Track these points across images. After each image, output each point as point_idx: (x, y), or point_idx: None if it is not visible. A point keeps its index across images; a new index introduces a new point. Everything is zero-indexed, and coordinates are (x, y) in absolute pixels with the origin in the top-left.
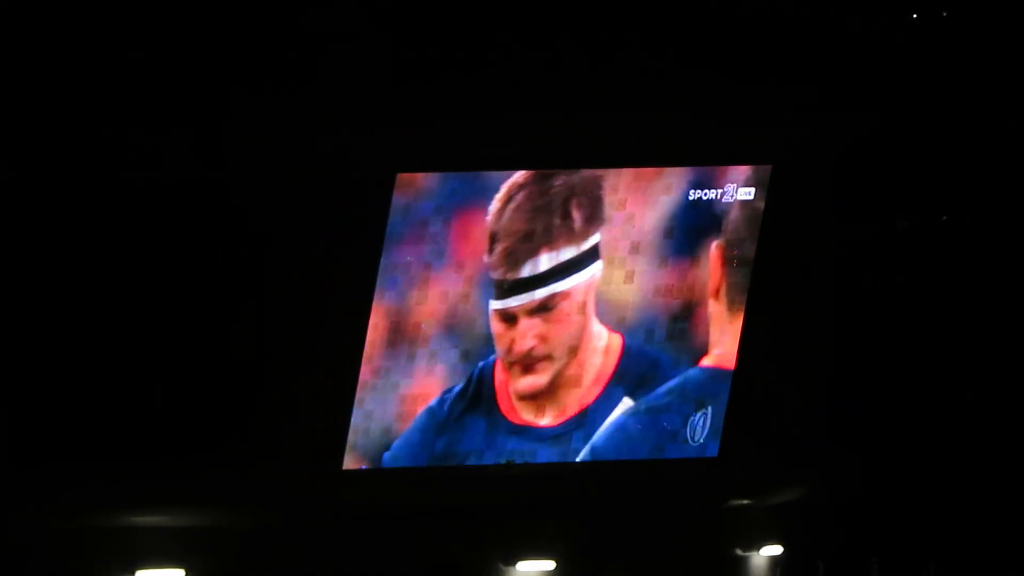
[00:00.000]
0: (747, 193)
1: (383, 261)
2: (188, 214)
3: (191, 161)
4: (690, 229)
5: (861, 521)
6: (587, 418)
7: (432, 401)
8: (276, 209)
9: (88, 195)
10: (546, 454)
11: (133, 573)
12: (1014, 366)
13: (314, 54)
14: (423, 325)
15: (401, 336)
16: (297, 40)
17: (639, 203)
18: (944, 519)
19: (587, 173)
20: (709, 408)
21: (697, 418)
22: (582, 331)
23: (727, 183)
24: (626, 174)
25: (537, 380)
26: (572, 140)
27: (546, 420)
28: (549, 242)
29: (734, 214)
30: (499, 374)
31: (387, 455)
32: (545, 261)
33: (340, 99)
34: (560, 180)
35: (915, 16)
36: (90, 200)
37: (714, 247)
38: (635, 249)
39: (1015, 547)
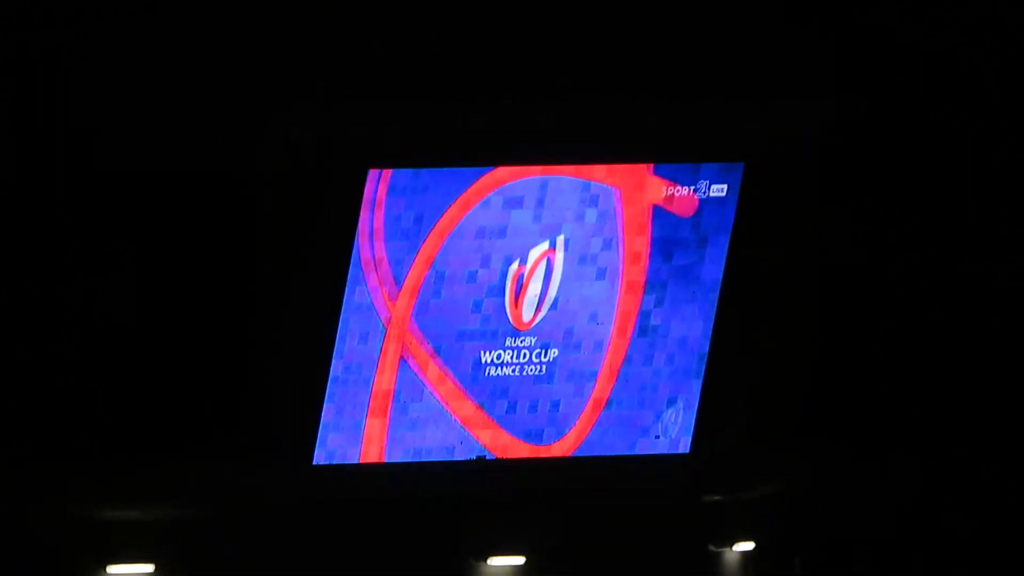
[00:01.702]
0: (719, 190)
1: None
2: (154, 207)
3: (156, 152)
4: (664, 225)
5: (836, 517)
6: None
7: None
8: (248, 203)
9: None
10: (518, 448)
11: (104, 568)
12: (997, 357)
13: (291, 46)
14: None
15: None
16: (273, 30)
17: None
18: (928, 511)
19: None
20: (681, 404)
21: (669, 414)
22: None
23: (699, 180)
24: (599, 170)
25: None
26: (544, 136)
27: None
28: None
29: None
30: None
31: (356, 450)
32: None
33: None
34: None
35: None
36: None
37: None
38: (607, 245)
39: (1004, 538)
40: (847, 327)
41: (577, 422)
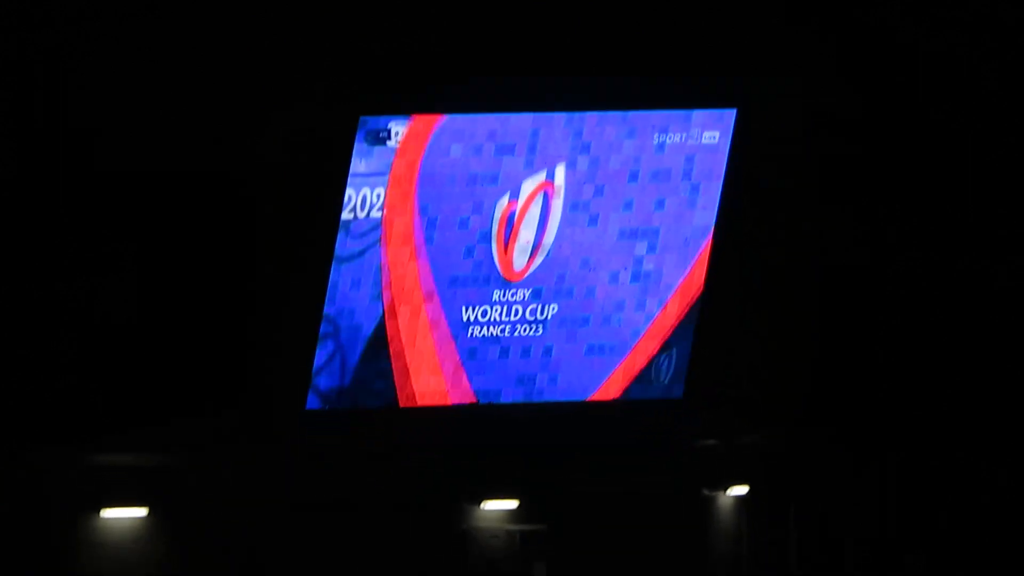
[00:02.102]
0: (712, 136)
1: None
2: (150, 157)
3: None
4: (656, 173)
5: (828, 461)
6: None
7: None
8: (243, 150)
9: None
10: (511, 394)
11: (98, 512)
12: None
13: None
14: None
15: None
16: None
17: (603, 146)
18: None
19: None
20: (674, 349)
21: (662, 359)
22: None
23: (692, 127)
24: (591, 118)
25: None
26: (538, 83)
27: None
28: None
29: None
30: None
31: (349, 396)
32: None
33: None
34: None
35: None
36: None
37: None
38: (599, 192)
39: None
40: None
41: (570, 368)
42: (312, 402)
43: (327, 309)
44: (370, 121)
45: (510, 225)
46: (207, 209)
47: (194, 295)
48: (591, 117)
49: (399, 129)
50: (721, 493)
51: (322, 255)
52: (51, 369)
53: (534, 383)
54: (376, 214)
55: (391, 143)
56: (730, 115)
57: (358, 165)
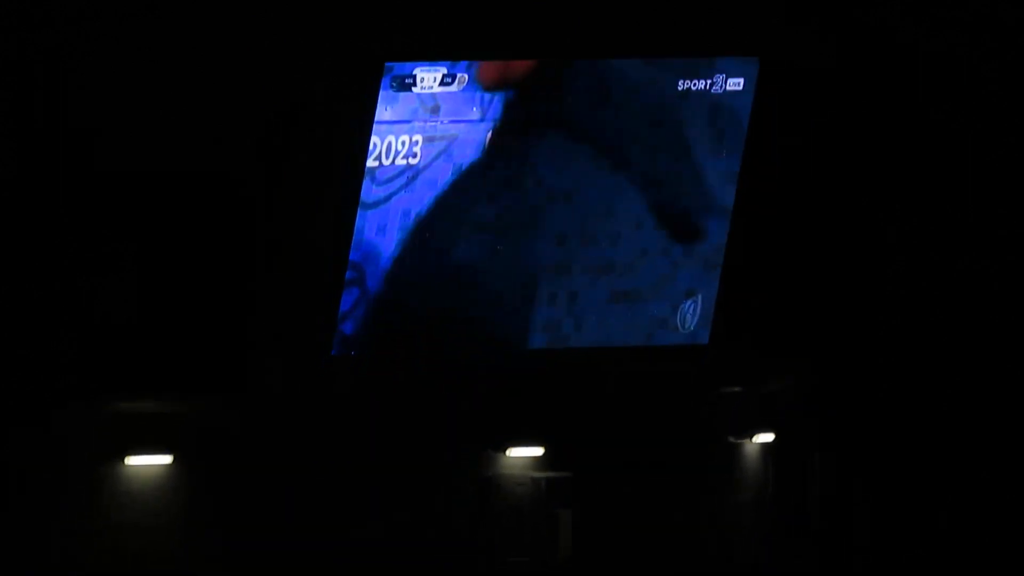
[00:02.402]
0: (736, 84)
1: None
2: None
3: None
4: (681, 120)
5: (854, 409)
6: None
7: None
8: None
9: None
10: (537, 340)
11: (123, 458)
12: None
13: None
14: None
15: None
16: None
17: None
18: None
19: None
20: (699, 295)
21: (687, 305)
22: None
23: (716, 74)
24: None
25: None
26: (561, 31)
27: None
28: None
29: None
30: None
31: (373, 341)
32: None
33: None
34: None
35: None
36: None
37: None
38: (623, 137)
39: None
40: (868, 225)
41: (596, 314)
42: (338, 348)
43: (352, 255)
44: (396, 67)
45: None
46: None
47: (217, 243)
48: (615, 63)
49: (424, 75)
50: (747, 440)
51: (347, 201)
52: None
53: (559, 329)
54: (401, 162)
55: (416, 89)
56: (753, 63)
57: (383, 112)
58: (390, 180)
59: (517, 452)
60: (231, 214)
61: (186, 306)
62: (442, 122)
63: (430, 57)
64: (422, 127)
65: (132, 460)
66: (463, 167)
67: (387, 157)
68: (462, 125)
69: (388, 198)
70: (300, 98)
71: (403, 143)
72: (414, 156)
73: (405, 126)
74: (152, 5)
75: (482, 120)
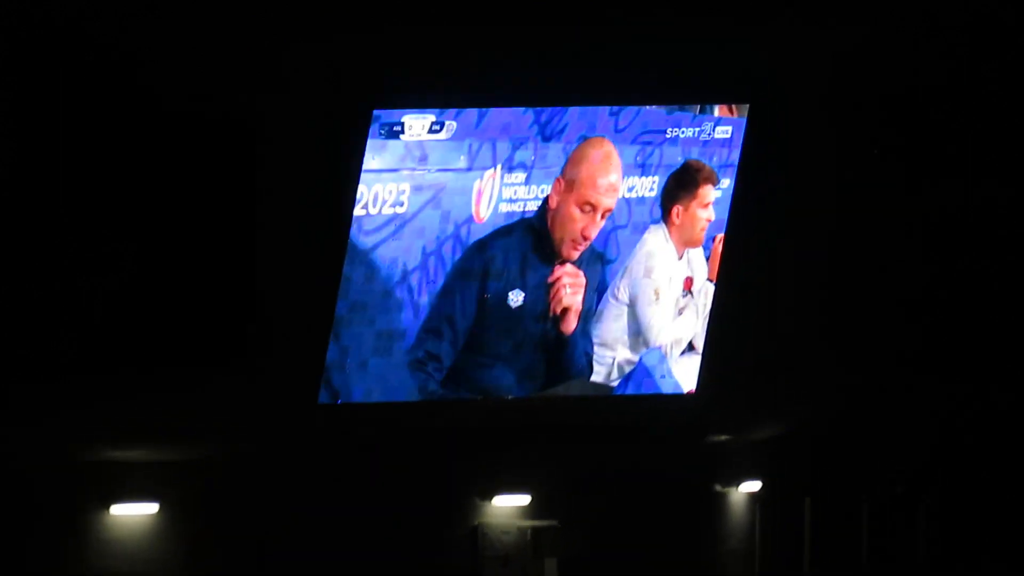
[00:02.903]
0: (724, 131)
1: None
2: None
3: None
4: (670, 167)
5: (842, 457)
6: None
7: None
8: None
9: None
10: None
11: (108, 507)
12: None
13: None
14: None
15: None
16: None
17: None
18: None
19: None
20: (687, 344)
21: (675, 354)
22: None
23: (704, 121)
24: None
25: None
26: (550, 77)
27: None
28: None
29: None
30: None
31: (361, 389)
32: None
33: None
34: None
35: None
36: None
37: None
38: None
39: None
40: (855, 273)
41: (584, 360)
42: (324, 396)
43: (339, 303)
44: (383, 114)
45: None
46: (220, 200)
47: (205, 289)
48: (603, 111)
49: (413, 123)
50: (734, 489)
51: (334, 250)
52: (52, 369)
53: (545, 377)
54: (388, 211)
55: (405, 136)
56: (743, 110)
57: (370, 160)
58: (377, 228)
59: (504, 501)
60: (218, 264)
61: (173, 352)
62: (429, 170)
63: (418, 104)
64: (409, 175)
65: (117, 509)
66: (451, 215)
67: (374, 206)
68: (449, 174)
69: (376, 247)
70: (288, 145)
71: (390, 192)
72: (401, 205)
73: (392, 174)
74: (137, 60)
75: (469, 169)
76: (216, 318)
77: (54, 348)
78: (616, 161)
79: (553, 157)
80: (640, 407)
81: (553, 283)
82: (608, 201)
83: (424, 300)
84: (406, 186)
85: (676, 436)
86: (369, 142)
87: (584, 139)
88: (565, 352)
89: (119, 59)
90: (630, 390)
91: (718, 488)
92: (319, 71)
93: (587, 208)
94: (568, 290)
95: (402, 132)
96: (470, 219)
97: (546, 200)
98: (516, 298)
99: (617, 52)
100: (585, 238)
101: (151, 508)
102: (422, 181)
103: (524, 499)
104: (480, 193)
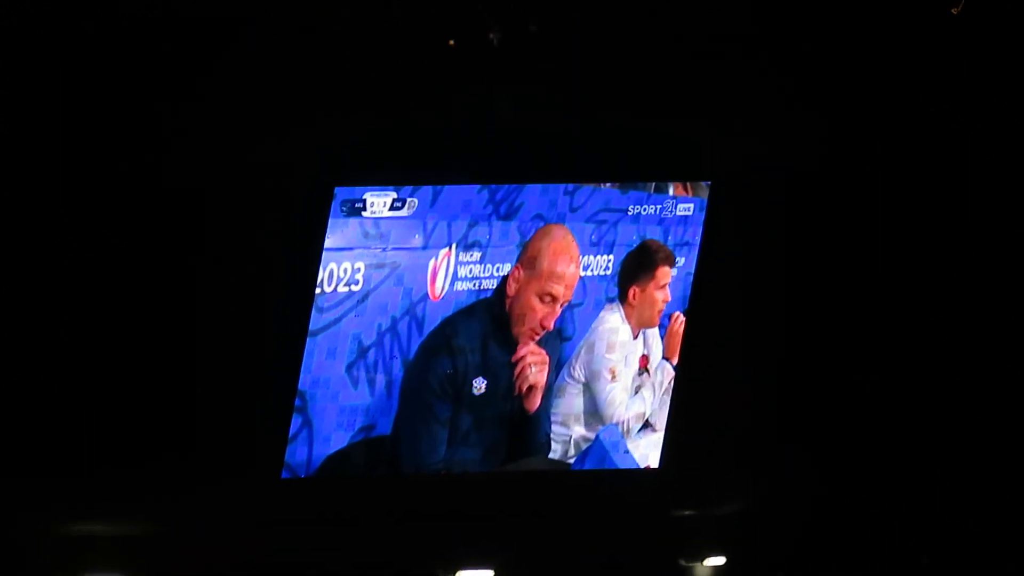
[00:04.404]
0: (685, 209)
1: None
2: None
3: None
4: (631, 244)
5: (808, 530)
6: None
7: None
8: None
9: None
10: (489, 461)
11: None
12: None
13: (248, 57)
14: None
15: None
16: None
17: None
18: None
19: None
20: (650, 418)
21: (637, 429)
22: None
23: (666, 199)
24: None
25: None
26: (513, 154)
27: None
28: None
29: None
30: None
31: (325, 464)
32: None
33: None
34: None
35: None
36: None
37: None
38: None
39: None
40: (818, 347)
41: (547, 436)
42: (286, 472)
43: (301, 380)
44: (344, 192)
45: None
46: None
47: (162, 368)
48: (562, 188)
49: (375, 200)
50: (698, 564)
51: (296, 329)
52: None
53: (508, 451)
54: (343, 289)
55: (366, 213)
56: (704, 187)
57: (329, 238)
58: (333, 307)
59: (466, 574)
60: (180, 333)
61: (133, 428)
62: (384, 249)
63: (381, 182)
64: (363, 254)
65: None
66: (414, 291)
67: (329, 284)
68: (404, 252)
69: (332, 324)
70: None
71: (345, 270)
72: (356, 283)
73: (348, 253)
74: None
75: (424, 248)
76: (180, 393)
77: (18, 423)
78: (576, 251)
79: (509, 235)
80: (604, 481)
81: (517, 362)
82: (569, 293)
83: (380, 378)
84: (361, 264)
85: (639, 511)
86: (331, 220)
87: (541, 226)
88: (527, 429)
89: (69, 129)
90: (587, 467)
91: (682, 563)
92: (279, 149)
93: (547, 299)
94: (534, 368)
95: (364, 209)
96: (425, 297)
97: (504, 284)
98: (479, 386)
99: (575, 130)
100: (544, 328)
101: None
102: (377, 259)
103: (487, 573)
104: (435, 271)
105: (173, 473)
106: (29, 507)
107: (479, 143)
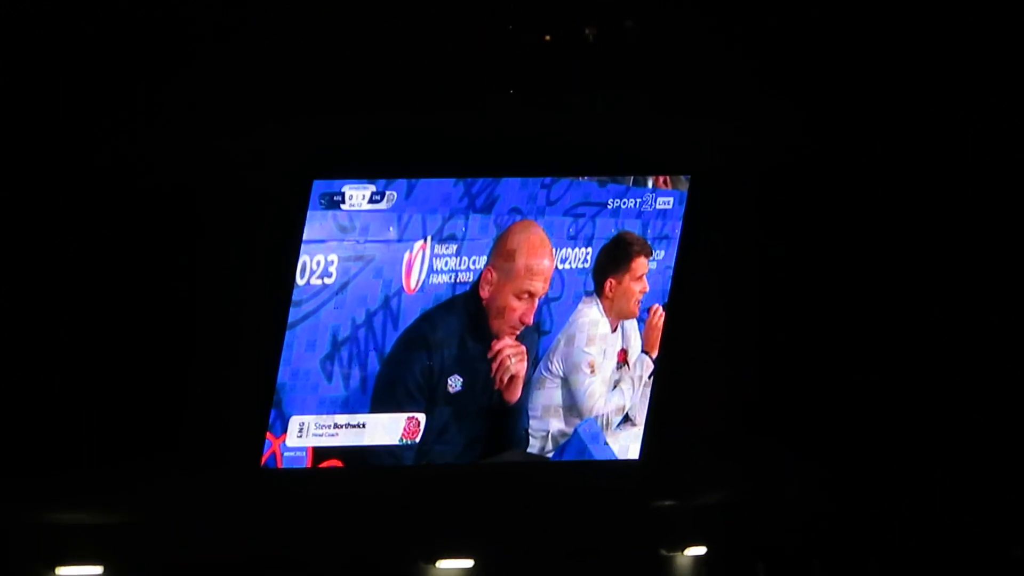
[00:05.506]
0: (665, 203)
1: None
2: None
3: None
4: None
5: (790, 520)
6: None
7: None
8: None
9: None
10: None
11: (53, 570)
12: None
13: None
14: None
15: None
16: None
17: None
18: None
19: None
20: (630, 410)
21: (618, 420)
22: None
23: (646, 192)
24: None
25: None
26: (495, 148)
27: None
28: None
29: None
30: None
31: (303, 454)
32: None
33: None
34: None
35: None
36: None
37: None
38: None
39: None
40: (797, 336)
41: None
42: (268, 460)
43: (282, 368)
44: (324, 184)
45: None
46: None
47: (145, 357)
48: (539, 182)
49: (353, 193)
50: (679, 553)
51: (275, 319)
52: None
53: (489, 443)
54: (316, 282)
55: (345, 206)
56: (684, 181)
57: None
58: (308, 299)
59: (447, 564)
60: (160, 325)
61: (115, 416)
62: (358, 242)
63: (360, 175)
64: (337, 247)
65: (63, 571)
66: (390, 283)
67: (302, 277)
68: (379, 245)
69: (309, 316)
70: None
71: (318, 263)
72: (329, 276)
73: (320, 245)
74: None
75: (399, 240)
76: (160, 382)
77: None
78: (549, 245)
79: (487, 229)
80: (585, 472)
81: (495, 356)
82: (545, 287)
83: (355, 372)
84: (335, 256)
85: (621, 502)
86: (309, 212)
87: (512, 223)
88: (505, 424)
89: (55, 130)
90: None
91: (663, 552)
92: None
93: (525, 296)
94: (513, 360)
95: (343, 202)
96: (401, 291)
97: (478, 285)
98: (454, 384)
99: (552, 124)
100: (524, 323)
101: (95, 570)
102: (353, 252)
103: (468, 563)
104: (410, 264)
105: (153, 463)
106: (8, 498)
107: (458, 137)
